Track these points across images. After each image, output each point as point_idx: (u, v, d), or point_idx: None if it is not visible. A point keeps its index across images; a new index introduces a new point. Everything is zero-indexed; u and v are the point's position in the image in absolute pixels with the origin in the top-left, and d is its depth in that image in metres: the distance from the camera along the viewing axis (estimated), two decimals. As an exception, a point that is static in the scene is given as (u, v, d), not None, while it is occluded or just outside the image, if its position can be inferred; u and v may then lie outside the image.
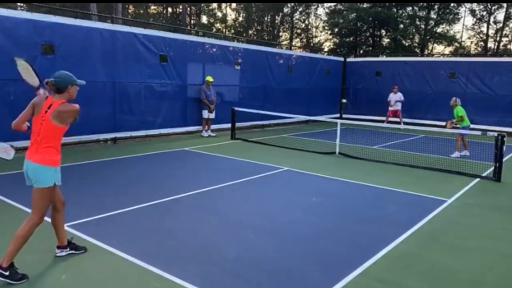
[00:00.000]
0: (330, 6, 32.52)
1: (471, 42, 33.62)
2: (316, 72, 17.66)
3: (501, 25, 31.19)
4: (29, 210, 5.20)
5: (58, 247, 4.00)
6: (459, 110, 10.07)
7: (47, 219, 3.92)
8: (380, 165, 9.02)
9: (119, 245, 4.25)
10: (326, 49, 33.29)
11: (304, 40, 37.18)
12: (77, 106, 3.69)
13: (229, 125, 12.60)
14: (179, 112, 12.35)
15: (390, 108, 15.93)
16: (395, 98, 15.87)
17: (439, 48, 32.80)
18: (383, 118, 16.28)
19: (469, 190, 7.12)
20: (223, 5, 35.93)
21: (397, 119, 15.75)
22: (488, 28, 32.03)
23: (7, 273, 3.38)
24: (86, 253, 4.09)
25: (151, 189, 6.43)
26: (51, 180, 3.73)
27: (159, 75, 11.61)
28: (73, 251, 4.03)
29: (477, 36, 33.10)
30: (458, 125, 10.12)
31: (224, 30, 35.58)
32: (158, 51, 11.44)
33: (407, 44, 29.82)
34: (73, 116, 3.69)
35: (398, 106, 15.82)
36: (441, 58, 20.96)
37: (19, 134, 4.43)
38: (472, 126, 14.97)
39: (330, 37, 34.03)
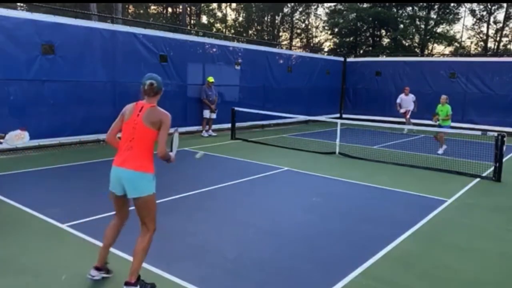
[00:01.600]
0: (330, 6, 32.56)
1: (471, 42, 33.66)
2: (316, 72, 17.66)
3: (501, 25, 31.22)
4: (29, 210, 5.22)
5: (97, 268, 3.54)
6: (449, 109, 10.34)
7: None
8: (380, 165, 9.02)
9: (119, 245, 4.24)
10: (326, 49, 33.31)
11: (304, 40, 37.20)
12: (168, 114, 3.54)
13: (229, 125, 12.59)
14: (179, 112, 12.34)
15: (402, 110, 14.78)
16: (408, 100, 14.74)
17: (439, 48, 32.85)
18: (383, 118, 16.27)
19: (469, 190, 7.12)
20: (223, 5, 35.94)
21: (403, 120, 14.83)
22: (488, 28, 32.05)
23: (137, 287, 3.34)
24: (86, 253, 4.09)
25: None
26: (153, 186, 3.47)
27: (159, 75, 11.51)
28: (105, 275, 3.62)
29: (477, 36, 33.14)
30: (438, 122, 10.46)
31: (224, 30, 35.59)
32: (158, 51, 11.44)
33: (407, 44, 29.83)
34: (164, 122, 3.47)
35: (411, 107, 14.70)
36: (441, 58, 20.95)
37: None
38: (472, 126, 15.00)
39: (330, 37, 34.05)
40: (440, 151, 10.58)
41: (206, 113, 12.53)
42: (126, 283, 3.29)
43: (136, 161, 3.35)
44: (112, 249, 3.74)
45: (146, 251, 3.41)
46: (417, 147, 11.52)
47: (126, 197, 3.50)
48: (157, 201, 5.84)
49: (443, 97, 10.55)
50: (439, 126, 10.51)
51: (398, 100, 14.98)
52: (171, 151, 3.59)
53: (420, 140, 12.69)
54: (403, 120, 16.03)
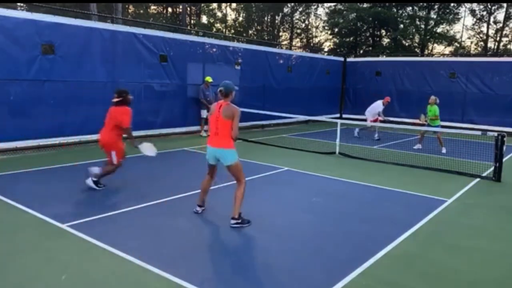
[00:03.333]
0: (330, 6, 32.56)
1: (471, 42, 33.67)
2: (316, 72, 17.65)
3: (501, 25, 31.22)
4: (29, 210, 5.23)
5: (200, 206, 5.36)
6: (437, 110, 10.67)
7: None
8: (380, 165, 9.02)
9: (119, 245, 4.25)
10: (326, 49, 33.31)
11: (304, 40, 37.20)
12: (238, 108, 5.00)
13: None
14: (179, 112, 12.35)
15: (380, 118, 12.95)
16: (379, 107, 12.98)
17: (439, 48, 32.85)
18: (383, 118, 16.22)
19: (469, 190, 7.12)
20: (223, 5, 35.95)
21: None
22: (488, 28, 32.06)
23: (240, 220, 4.94)
24: (86, 253, 4.10)
25: (150, 189, 6.42)
26: (236, 156, 5.05)
27: (159, 75, 11.60)
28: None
29: (477, 36, 33.14)
30: (425, 122, 10.83)
31: (224, 30, 35.59)
32: (158, 51, 11.44)
33: (407, 44, 29.82)
34: (235, 114, 4.92)
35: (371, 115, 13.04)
36: (441, 58, 20.94)
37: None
38: (472, 126, 15.04)
39: (330, 37, 34.05)
40: (444, 150, 10.75)
41: (204, 113, 12.53)
42: (232, 218, 4.93)
43: (225, 142, 4.98)
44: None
45: (243, 196, 4.99)
46: (418, 147, 11.52)
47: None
48: (157, 201, 5.86)
49: (432, 98, 10.88)
50: (428, 125, 10.80)
51: (380, 109, 12.88)
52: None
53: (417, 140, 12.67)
54: (403, 120, 16.03)
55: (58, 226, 4.76)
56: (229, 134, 4.92)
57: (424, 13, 29.52)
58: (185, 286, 3.49)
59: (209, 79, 12.40)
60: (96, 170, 6.30)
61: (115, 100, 6.32)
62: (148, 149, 6.23)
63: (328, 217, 5.48)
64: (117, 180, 6.99)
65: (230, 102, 5.00)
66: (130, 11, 30.84)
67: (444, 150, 10.75)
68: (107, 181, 6.56)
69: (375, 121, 12.80)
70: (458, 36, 32.28)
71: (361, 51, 30.52)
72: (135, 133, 5.76)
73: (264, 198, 6.29)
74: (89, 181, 6.22)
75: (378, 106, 12.79)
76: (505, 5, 29.53)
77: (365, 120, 13.03)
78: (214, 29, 34.59)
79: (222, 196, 6.34)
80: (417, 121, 10.91)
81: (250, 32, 35.68)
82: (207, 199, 5.55)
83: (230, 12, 37.14)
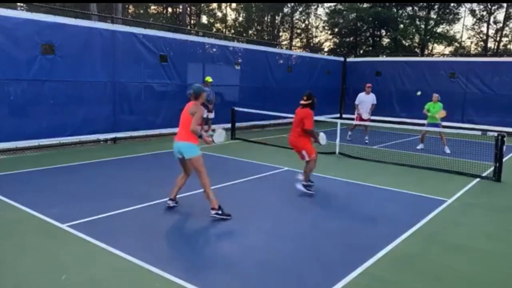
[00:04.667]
0: (330, 6, 32.51)
1: (471, 42, 33.65)
2: (316, 72, 17.65)
3: (501, 25, 31.21)
4: (29, 210, 5.23)
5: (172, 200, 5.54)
6: (441, 106, 10.78)
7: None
8: (380, 165, 9.01)
9: (119, 245, 4.25)
10: (326, 49, 33.29)
11: (304, 40, 37.18)
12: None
13: (229, 125, 12.59)
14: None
15: (365, 116, 12.31)
16: (369, 101, 12.49)
17: (439, 48, 32.84)
18: (383, 118, 16.22)
19: (469, 190, 7.12)
20: (223, 5, 35.93)
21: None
22: (488, 28, 32.04)
23: (220, 211, 5.14)
24: (86, 253, 4.09)
25: (151, 189, 6.42)
26: (197, 151, 5.29)
27: (159, 75, 11.60)
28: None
29: (477, 36, 33.12)
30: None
31: (224, 30, 35.59)
32: (158, 51, 11.44)
33: (407, 44, 29.82)
34: (197, 111, 5.31)
35: (366, 112, 12.46)
36: (441, 58, 20.95)
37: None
38: (472, 126, 15.04)
39: (330, 37, 34.04)
40: (448, 150, 10.81)
41: (204, 113, 12.50)
42: (212, 209, 5.18)
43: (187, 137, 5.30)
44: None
45: (209, 187, 5.21)
46: (416, 148, 11.52)
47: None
48: (157, 201, 5.86)
49: (437, 95, 10.98)
50: (430, 124, 10.86)
51: (356, 101, 12.58)
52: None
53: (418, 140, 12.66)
54: (403, 120, 15.96)
55: (58, 226, 4.76)
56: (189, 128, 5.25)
57: (424, 13, 29.51)
58: (185, 286, 3.49)
59: (209, 79, 12.39)
60: (300, 176, 6.60)
61: (304, 102, 6.68)
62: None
63: (328, 217, 5.48)
64: (117, 180, 7.00)
65: (199, 104, 5.43)
66: (130, 11, 30.83)
67: (448, 150, 10.78)
68: (107, 181, 6.56)
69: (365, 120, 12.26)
70: (458, 36, 32.30)
71: (361, 51, 30.51)
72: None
73: (264, 198, 6.28)
74: (300, 186, 6.49)
75: (365, 98, 12.41)
76: (505, 5, 29.53)
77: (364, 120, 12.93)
78: (214, 29, 34.59)
79: (224, 197, 6.34)
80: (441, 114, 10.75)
81: (250, 32, 35.67)
82: (205, 200, 5.53)
83: (230, 12, 37.16)
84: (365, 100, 12.41)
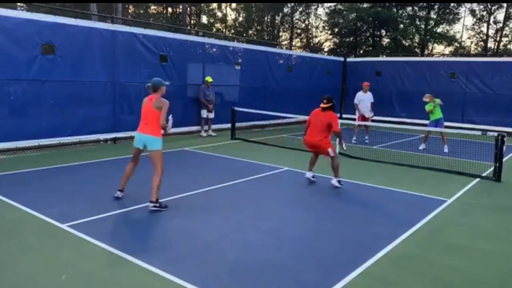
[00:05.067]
0: (330, 6, 32.54)
1: (471, 42, 33.68)
2: (316, 72, 17.65)
3: (501, 25, 31.23)
4: (29, 210, 5.23)
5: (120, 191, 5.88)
6: (428, 106, 10.93)
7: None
8: (380, 165, 9.01)
9: (119, 245, 4.25)
10: (326, 49, 33.30)
11: (304, 40, 37.20)
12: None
13: (229, 125, 12.59)
14: (179, 112, 12.33)
15: (368, 115, 12.26)
16: (367, 99, 12.38)
17: (439, 48, 32.86)
18: (383, 118, 16.23)
19: (469, 190, 7.12)
20: (223, 5, 35.96)
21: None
22: (488, 28, 32.07)
23: (157, 204, 5.41)
24: (86, 253, 4.09)
25: (150, 189, 6.42)
26: (160, 145, 5.63)
27: (159, 75, 11.52)
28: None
29: (477, 36, 33.16)
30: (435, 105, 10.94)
31: (224, 30, 35.61)
32: (158, 51, 11.43)
33: (407, 44, 29.83)
34: (164, 105, 5.54)
35: (369, 111, 12.37)
36: (441, 58, 20.95)
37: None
38: (472, 126, 15.04)
39: (330, 37, 34.07)
40: (446, 149, 10.87)
41: (204, 113, 12.54)
42: (151, 201, 5.38)
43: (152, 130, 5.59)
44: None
45: (159, 183, 5.46)
46: (417, 147, 11.52)
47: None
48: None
49: (430, 96, 11.07)
50: (432, 123, 10.92)
51: (355, 101, 12.46)
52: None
53: (421, 140, 12.66)
54: (403, 120, 15.94)
55: (58, 226, 4.76)
56: (157, 123, 5.50)
57: (424, 13, 29.53)
58: (185, 286, 3.49)
59: (209, 79, 12.40)
60: (333, 180, 7.05)
61: (325, 105, 7.00)
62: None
63: (328, 217, 5.48)
64: (117, 180, 6.99)
65: (161, 96, 5.63)
66: (130, 11, 30.84)
67: (446, 149, 10.82)
68: (107, 181, 6.56)
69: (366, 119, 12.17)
70: (458, 36, 32.33)
71: (361, 51, 30.51)
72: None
73: (264, 198, 6.28)
74: (335, 182, 7.00)
75: (364, 97, 12.28)
76: (505, 5, 29.55)
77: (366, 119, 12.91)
78: (214, 29, 34.61)
79: (224, 197, 6.34)
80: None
81: (250, 32, 35.69)
82: (206, 199, 5.55)
83: (230, 12, 37.19)
84: (364, 98, 12.33)
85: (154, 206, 5.40)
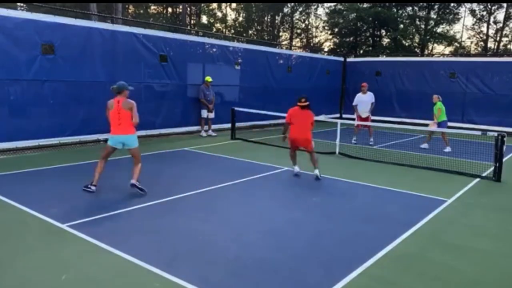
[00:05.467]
0: (330, 6, 32.53)
1: (471, 42, 33.66)
2: (316, 72, 17.65)
3: (501, 25, 31.22)
4: (29, 210, 5.24)
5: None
6: (438, 105, 10.91)
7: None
8: (380, 165, 9.01)
9: (119, 245, 4.25)
10: (326, 49, 33.29)
11: (304, 40, 37.20)
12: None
13: (229, 125, 12.59)
14: (179, 112, 12.34)
15: (364, 115, 12.02)
16: (367, 100, 12.13)
17: (439, 48, 32.84)
18: (383, 118, 16.22)
19: (469, 190, 7.12)
20: (223, 5, 35.94)
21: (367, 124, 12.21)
22: (488, 28, 32.05)
23: (138, 184, 6.05)
24: (86, 253, 4.09)
25: (151, 189, 6.42)
26: (137, 141, 6.33)
27: (159, 75, 11.60)
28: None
29: (477, 36, 33.14)
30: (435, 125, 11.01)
31: (224, 30, 35.59)
32: (158, 51, 11.44)
33: (407, 44, 29.82)
34: (133, 105, 6.14)
35: (368, 110, 12.14)
36: (441, 58, 20.94)
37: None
38: (472, 126, 15.03)
39: (330, 37, 34.05)
40: (447, 149, 10.87)
41: (204, 113, 12.54)
42: (132, 182, 6.03)
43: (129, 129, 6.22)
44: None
45: (140, 170, 6.19)
46: (417, 147, 11.53)
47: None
48: (157, 201, 5.89)
49: (436, 96, 11.12)
50: (438, 125, 10.92)
51: (354, 102, 12.23)
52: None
53: (421, 140, 12.67)
54: (403, 120, 15.93)
55: (58, 226, 4.76)
56: (131, 122, 6.10)
57: (424, 13, 29.52)
58: (185, 286, 3.49)
59: (209, 79, 12.40)
60: (316, 170, 7.50)
61: (304, 104, 7.51)
62: None
63: (328, 217, 5.48)
64: (117, 180, 6.99)
65: (126, 98, 6.13)
66: (130, 11, 30.84)
67: (447, 149, 10.82)
68: (106, 181, 6.56)
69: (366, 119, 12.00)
70: (458, 36, 32.31)
71: (361, 51, 30.51)
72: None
73: (264, 198, 6.29)
74: (317, 172, 7.46)
75: (363, 98, 12.07)
76: (505, 5, 29.54)
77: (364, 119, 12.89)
78: (214, 29, 34.59)
79: (224, 196, 6.35)
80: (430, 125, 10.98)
81: (250, 32, 35.68)
82: (206, 199, 5.55)
83: (230, 12, 37.17)
84: (363, 99, 12.15)
85: (135, 186, 6.00)
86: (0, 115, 8.51)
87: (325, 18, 33.75)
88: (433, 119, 11.12)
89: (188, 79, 12.48)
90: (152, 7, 33.67)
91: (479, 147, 10.23)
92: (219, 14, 36.44)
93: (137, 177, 6.10)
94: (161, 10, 34.64)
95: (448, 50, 32.41)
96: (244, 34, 33.79)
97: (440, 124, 10.86)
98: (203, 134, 12.64)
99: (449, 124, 11.84)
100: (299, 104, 7.53)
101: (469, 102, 15.92)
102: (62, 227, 4.72)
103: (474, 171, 8.32)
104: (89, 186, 6.14)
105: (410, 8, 29.57)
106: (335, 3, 31.62)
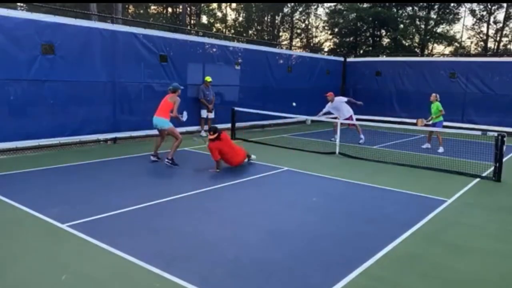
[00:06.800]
0: (330, 6, 32.53)
1: (471, 42, 33.64)
2: (316, 72, 17.65)
3: (501, 25, 31.21)
4: (29, 210, 5.24)
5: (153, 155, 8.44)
6: (439, 106, 10.85)
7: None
8: (380, 165, 9.01)
9: (119, 245, 4.25)
10: (326, 49, 33.29)
11: (304, 40, 37.19)
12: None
13: (229, 125, 12.59)
14: (179, 112, 12.30)
15: (349, 119, 11.79)
16: (339, 105, 12.01)
17: (439, 48, 32.82)
18: (383, 118, 16.23)
19: (469, 190, 7.12)
20: (223, 5, 35.94)
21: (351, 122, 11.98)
22: (488, 28, 32.04)
23: (171, 161, 7.93)
24: (86, 253, 4.10)
25: (151, 189, 6.43)
26: (170, 124, 8.26)
27: (159, 75, 11.60)
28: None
29: (477, 36, 33.12)
30: (429, 122, 10.93)
31: (224, 30, 35.60)
32: (158, 51, 11.43)
33: (407, 44, 29.82)
34: (176, 100, 8.28)
35: (346, 111, 12.02)
36: (441, 58, 20.94)
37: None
38: (472, 126, 15.03)
39: (330, 37, 34.04)
40: (441, 150, 10.80)
41: (203, 113, 12.53)
42: (167, 158, 7.97)
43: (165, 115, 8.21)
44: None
45: (177, 147, 8.15)
46: (417, 147, 11.53)
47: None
48: (158, 201, 5.88)
49: (434, 95, 11.08)
50: (433, 124, 10.89)
51: (325, 110, 12.30)
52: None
53: (421, 140, 12.68)
54: (403, 120, 15.93)
55: (58, 226, 4.76)
56: (168, 110, 8.14)
57: (424, 13, 29.51)
58: (185, 286, 3.49)
59: (208, 79, 12.39)
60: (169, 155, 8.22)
61: (213, 137, 8.04)
62: None
63: (328, 217, 5.48)
64: (117, 180, 7.00)
65: (177, 96, 8.30)
66: (130, 11, 30.83)
67: (441, 150, 10.77)
68: (107, 181, 6.56)
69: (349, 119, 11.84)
70: (458, 36, 32.28)
71: (361, 51, 30.51)
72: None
73: (264, 198, 6.29)
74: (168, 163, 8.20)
75: (334, 106, 12.06)
76: (505, 5, 29.53)
77: (365, 120, 12.91)
78: (214, 29, 34.59)
79: (224, 196, 6.35)
80: (419, 123, 10.91)
81: (250, 32, 35.67)
82: (206, 199, 5.54)
83: (230, 12, 37.16)
84: (335, 106, 12.06)
85: (168, 162, 7.85)
86: (0, 115, 8.51)
87: (325, 18, 33.78)
88: (427, 117, 11.11)
89: (188, 79, 12.47)
90: (152, 7, 33.66)
91: (479, 147, 10.23)
92: (219, 14, 36.46)
93: (172, 154, 7.83)
94: (161, 10, 34.63)
95: (448, 50, 32.42)
96: (244, 34, 33.79)
97: (436, 124, 10.84)
98: (203, 134, 12.63)
99: (449, 124, 11.89)
100: (210, 137, 7.76)
101: (469, 102, 15.92)
102: (62, 227, 4.72)
103: (474, 171, 8.32)
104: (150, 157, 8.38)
105: (410, 8, 29.57)
106: (335, 3, 31.63)
